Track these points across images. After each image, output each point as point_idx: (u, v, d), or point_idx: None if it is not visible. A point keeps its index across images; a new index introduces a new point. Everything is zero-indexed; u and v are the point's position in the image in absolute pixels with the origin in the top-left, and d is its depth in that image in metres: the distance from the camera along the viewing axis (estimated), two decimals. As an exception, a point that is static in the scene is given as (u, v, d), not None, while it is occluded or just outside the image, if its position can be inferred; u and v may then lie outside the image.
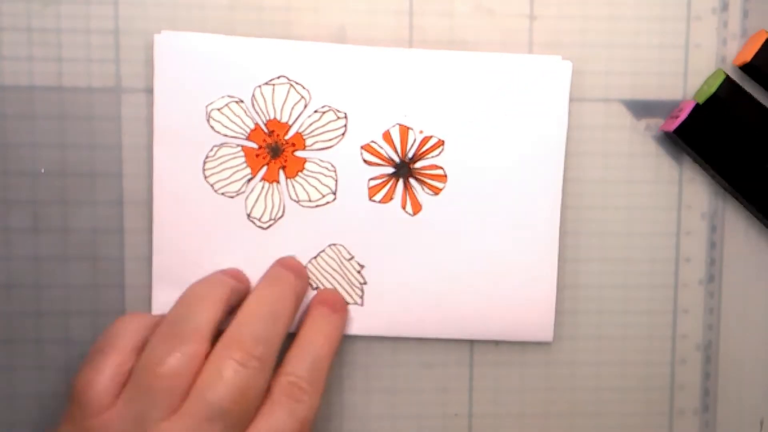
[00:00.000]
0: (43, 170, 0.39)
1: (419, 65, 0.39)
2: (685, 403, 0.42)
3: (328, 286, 0.40)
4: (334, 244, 0.40)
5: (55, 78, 0.39)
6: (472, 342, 0.41)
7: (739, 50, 0.40)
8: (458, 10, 0.40)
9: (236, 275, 0.39)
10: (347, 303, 0.40)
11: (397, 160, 0.39)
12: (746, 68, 0.38)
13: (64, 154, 0.39)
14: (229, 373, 0.33)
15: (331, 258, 0.40)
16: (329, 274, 0.40)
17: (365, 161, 0.39)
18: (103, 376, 0.34)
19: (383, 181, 0.39)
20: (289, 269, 0.38)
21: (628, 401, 0.42)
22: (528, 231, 0.40)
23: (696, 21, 0.40)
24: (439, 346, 0.41)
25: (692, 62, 0.40)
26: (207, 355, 0.34)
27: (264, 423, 0.34)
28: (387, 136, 0.39)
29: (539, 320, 0.41)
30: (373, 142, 0.39)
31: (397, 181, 0.40)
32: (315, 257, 0.40)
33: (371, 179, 0.39)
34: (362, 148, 0.39)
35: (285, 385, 0.35)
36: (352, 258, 0.40)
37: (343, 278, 0.40)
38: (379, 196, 0.40)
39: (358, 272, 0.40)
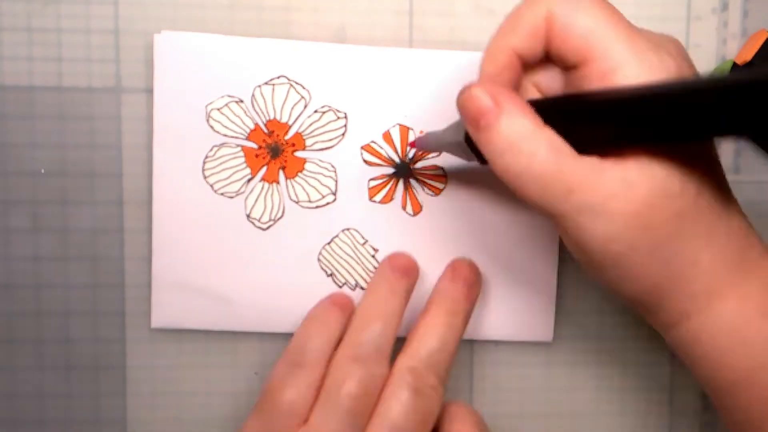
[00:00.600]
0: (43, 170, 0.39)
1: (419, 65, 0.39)
2: (685, 403, 0.42)
3: (343, 272, 0.40)
4: (348, 229, 0.40)
5: (55, 78, 0.39)
6: (472, 342, 0.41)
7: (739, 50, 0.40)
8: (458, 10, 0.40)
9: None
10: (480, 276, 0.39)
11: (397, 160, 0.39)
12: (747, 67, 0.38)
13: (64, 154, 0.39)
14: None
15: (345, 243, 0.40)
16: (344, 259, 0.40)
17: (365, 161, 0.39)
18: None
19: (383, 182, 0.39)
20: (395, 271, 0.38)
21: (628, 401, 0.42)
22: (528, 231, 0.40)
23: (696, 21, 0.40)
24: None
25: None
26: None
27: (383, 416, 0.34)
28: (387, 137, 0.39)
29: (539, 320, 0.41)
30: (373, 142, 0.39)
31: (398, 181, 0.40)
32: (329, 243, 0.40)
33: (371, 180, 0.39)
34: (362, 148, 0.39)
35: (410, 376, 0.35)
36: (366, 242, 0.40)
37: (358, 263, 0.40)
38: (379, 197, 0.40)
39: (373, 256, 0.40)
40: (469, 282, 0.38)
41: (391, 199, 0.40)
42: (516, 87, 0.33)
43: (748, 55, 0.38)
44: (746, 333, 0.32)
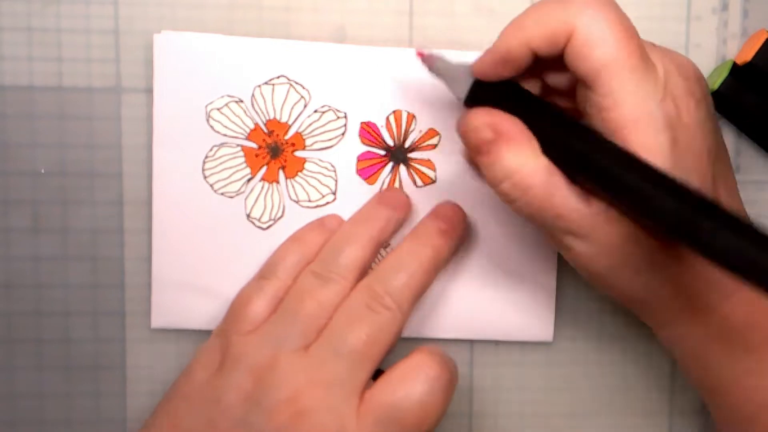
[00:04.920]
0: (43, 170, 0.39)
1: (419, 65, 0.39)
2: (685, 403, 0.42)
3: None
4: None
5: (55, 78, 0.39)
6: (472, 342, 0.41)
7: (739, 50, 0.40)
8: (458, 10, 0.40)
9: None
10: (466, 224, 0.39)
11: (391, 143, 0.39)
12: (747, 67, 0.38)
13: (64, 154, 0.39)
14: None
15: None
16: None
17: (361, 140, 0.39)
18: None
19: (374, 161, 0.39)
20: (386, 205, 0.38)
21: (628, 401, 0.42)
22: (528, 231, 0.40)
23: (696, 21, 0.40)
24: (439, 346, 0.41)
25: (692, 62, 0.40)
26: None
27: (331, 326, 0.35)
28: (388, 122, 0.39)
29: (539, 320, 0.41)
30: (371, 123, 0.39)
31: (388, 163, 0.39)
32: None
33: (360, 155, 0.39)
34: (362, 125, 0.39)
35: (365, 294, 0.36)
36: None
37: None
38: (366, 174, 0.39)
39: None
40: (449, 221, 0.38)
41: (376, 180, 0.39)
42: (520, 72, 0.34)
43: (748, 55, 0.38)
44: (730, 344, 0.34)
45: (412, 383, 0.35)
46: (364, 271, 0.37)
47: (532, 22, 0.32)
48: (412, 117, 0.39)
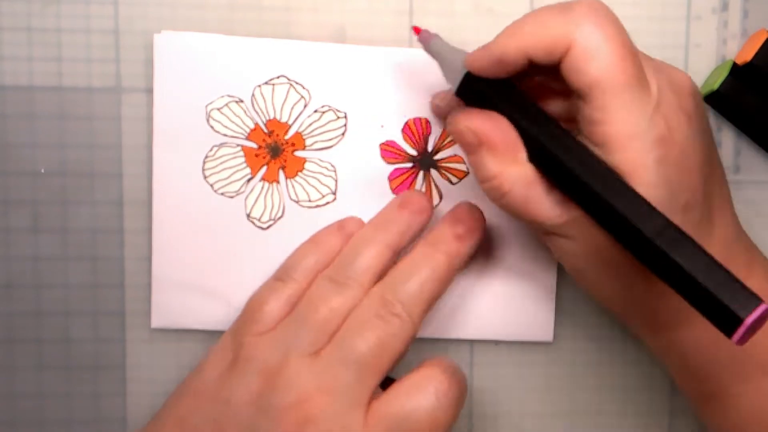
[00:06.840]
0: (43, 170, 0.39)
1: (419, 65, 0.39)
2: (685, 403, 0.42)
3: None
4: None
5: (55, 78, 0.39)
6: (472, 342, 0.41)
7: (739, 50, 0.40)
8: (458, 10, 0.40)
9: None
10: (484, 225, 0.38)
11: (415, 153, 0.39)
12: (747, 67, 0.38)
13: (64, 154, 0.39)
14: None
15: None
16: None
17: (384, 159, 0.39)
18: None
19: (403, 174, 0.39)
20: (405, 208, 0.37)
21: (628, 401, 0.42)
22: (528, 230, 0.40)
23: (696, 21, 0.40)
24: (439, 346, 0.41)
25: (692, 62, 0.40)
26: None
27: (342, 335, 0.35)
28: (405, 132, 0.39)
29: (539, 320, 0.41)
30: (391, 140, 0.39)
31: (418, 173, 0.39)
32: None
33: (391, 176, 0.39)
34: (381, 146, 0.39)
35: (376, 301, 0.35)
36: None
37: None
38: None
39: None
40: (466, 225, 0.37)
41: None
42: (514, 74, 0.33)
43: (748, 55, 0.38)
44: (716, 352, 0.34)
45: (422, 396, 0.34)
46: (381, 276, 0.36)
47: (531, 30, 0.32)
48: (426, 122, 0.39)
